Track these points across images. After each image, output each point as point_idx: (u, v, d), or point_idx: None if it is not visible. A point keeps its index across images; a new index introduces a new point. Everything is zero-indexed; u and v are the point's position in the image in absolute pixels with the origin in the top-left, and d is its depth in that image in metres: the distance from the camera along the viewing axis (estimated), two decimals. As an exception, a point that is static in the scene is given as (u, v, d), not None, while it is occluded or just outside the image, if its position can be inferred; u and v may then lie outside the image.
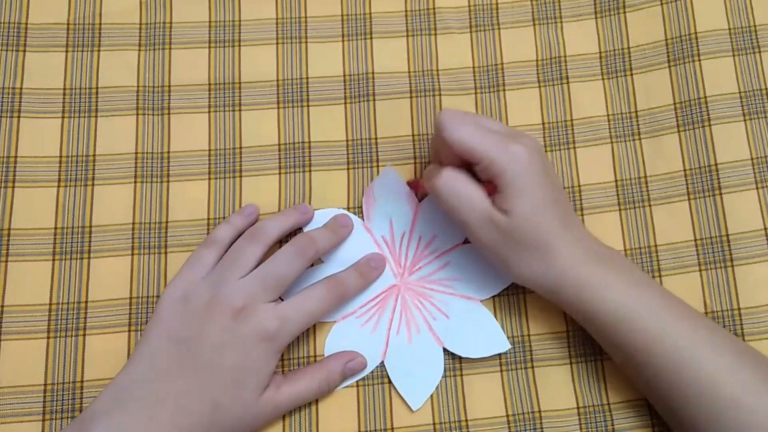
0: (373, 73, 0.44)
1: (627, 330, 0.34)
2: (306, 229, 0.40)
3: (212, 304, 0.35)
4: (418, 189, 0.41)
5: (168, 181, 0.41)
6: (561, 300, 0.36)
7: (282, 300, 0.37)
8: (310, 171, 0.42)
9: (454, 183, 0.35)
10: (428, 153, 0.42)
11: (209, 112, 0.42)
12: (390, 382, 0.39)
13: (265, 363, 0.35)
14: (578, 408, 0.39)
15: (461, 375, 0.39)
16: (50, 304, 0.39)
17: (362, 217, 0.41)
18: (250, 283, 0.36)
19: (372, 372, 0.39)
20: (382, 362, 0.39)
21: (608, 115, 0.43)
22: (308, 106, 0.43)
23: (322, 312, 0.37)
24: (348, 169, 0.42)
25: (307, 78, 0.43)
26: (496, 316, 0.40)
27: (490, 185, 0.35)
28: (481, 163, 0.34)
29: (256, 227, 0.38)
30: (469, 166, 0.36)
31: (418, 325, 0.39)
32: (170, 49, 0.43)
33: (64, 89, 0.42)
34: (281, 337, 0.35)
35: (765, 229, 0.41)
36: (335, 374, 0.37)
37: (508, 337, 0.39)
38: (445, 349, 0.39)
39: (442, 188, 0.35)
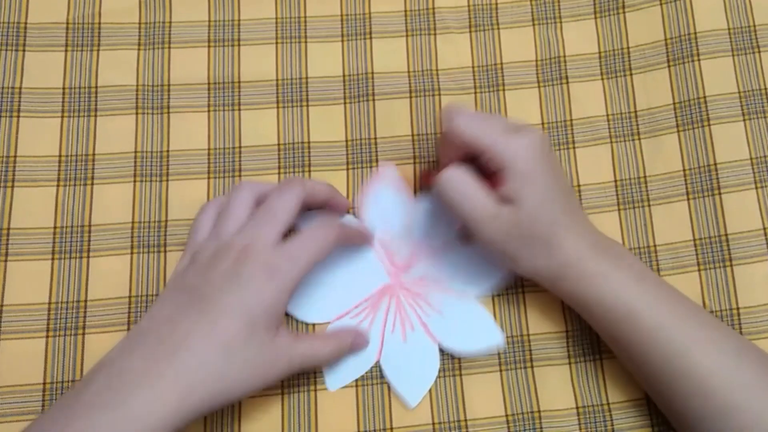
0: (372, 73, 0.44)
1: (625, 323, 0.34)
2: (297, 223, 0.40)
3: (217, 252, 0.35)
4: (428, 181, 0.41)
5: (167, 181, 0.41)
6: (561, 290, 0.36)
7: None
8: (309, 171, 0.42)
9: (456, 179, 0.36)
10: (427, 153, 0.42)
11: (209, 111, 0.42)
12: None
13: (275, 300, 0.34)
14: (577, 408, 0.39)
15: (460, 375, 0.39)
16: (49, 303, 0.39)
17: (357, 215, 0.41)
18: (249, 225, 0.36)
19: (371, 372, 0.39)
20: (378, 362, 0.39)
21: (608, 115, 0.43)
22: (308, 105, 0.43)
23: (328, 246, 0.36)
24: (347, 169, 0.42)
25: (307, 78, 0.43)
26: (495, 316, 0.40)
27: (495, 178, 0.35)
28: (486, 154, 0.35)
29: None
30: (473, 162, 0.36)
31: (413, 323, 0.39)
32: (170, 48, 0.43)
33: (64, 89, 0.42)
34: (289, 272, 0.34)
35: (764, 228, 0.41)
36: (345, 343, 0.38)
37: (507, 337, 0.39)
38: (441, 349, 0.39)
39: (444, 185, 0.36)
